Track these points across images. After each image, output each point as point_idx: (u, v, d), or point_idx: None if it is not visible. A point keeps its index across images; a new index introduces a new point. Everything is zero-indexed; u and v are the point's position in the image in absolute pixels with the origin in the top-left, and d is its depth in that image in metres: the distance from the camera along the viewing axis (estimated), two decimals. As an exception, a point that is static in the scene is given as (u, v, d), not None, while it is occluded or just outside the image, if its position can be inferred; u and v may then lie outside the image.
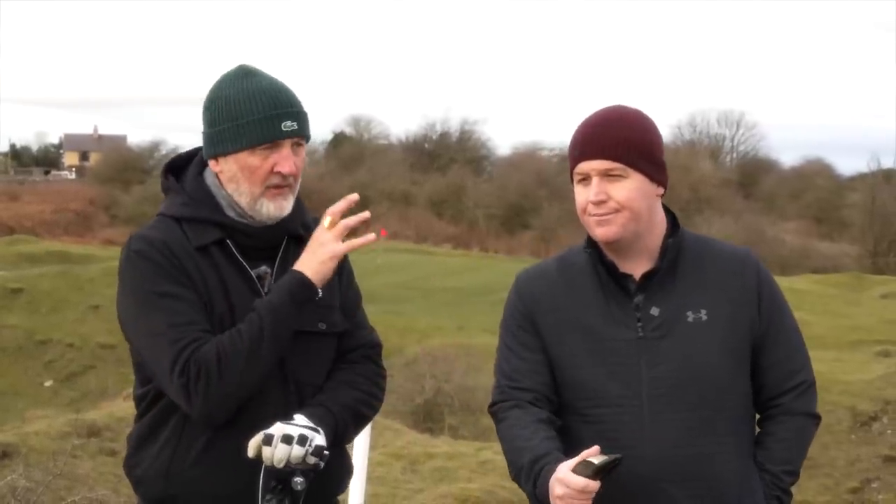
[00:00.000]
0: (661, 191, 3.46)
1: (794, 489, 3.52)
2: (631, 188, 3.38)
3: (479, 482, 13.41)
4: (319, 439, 3.14)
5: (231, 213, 3.41)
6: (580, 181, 3.43)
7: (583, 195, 3.42)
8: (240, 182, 3.38)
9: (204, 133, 3.43)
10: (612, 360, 3.41)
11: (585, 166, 3.40)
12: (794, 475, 3.51)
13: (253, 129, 3.33)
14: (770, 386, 3.51)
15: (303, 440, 3.10)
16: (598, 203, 3.39)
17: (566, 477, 3.19)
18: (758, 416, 3.59)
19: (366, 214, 3.42)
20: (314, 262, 3.34)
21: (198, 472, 3.33)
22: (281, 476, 3.11)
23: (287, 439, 3.09)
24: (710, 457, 3.39)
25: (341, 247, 3.35)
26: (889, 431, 19.13)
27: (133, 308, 3.35)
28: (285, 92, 3.40)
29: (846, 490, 17.84)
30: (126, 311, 3.38)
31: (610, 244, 3.44)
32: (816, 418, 3.55)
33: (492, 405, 3.57)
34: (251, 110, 3.34)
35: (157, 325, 3.27)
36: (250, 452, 3.14)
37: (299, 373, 3.38)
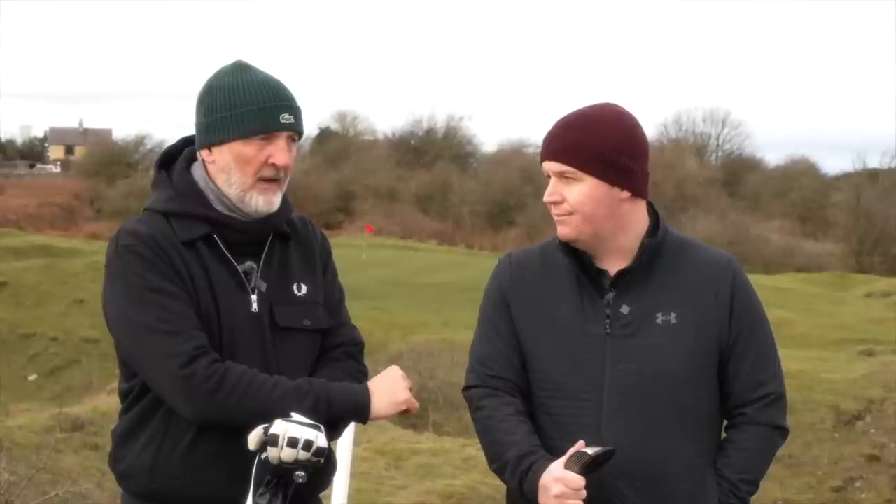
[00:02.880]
0: (625, 194, 3.42)
1: (777, 487, 3.52)
2: (582, 192, 3.40)
3: (462, 478, 13.41)
4: (322, 440, 3.12)
5: (220, 207, 3.41)
6: (548, 178, 3.47)
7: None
8: (232, 172, 3.38)
9: (199, 123, 3.43)
10: (578, 355, 3.42)
11: (545, 166, 3.46)
12: (753, 485, 3.50)
13: (251, 119, 3.34)
14: (735, 395, 3.49)
15: (308, 445, 3.08)
16: (553, 203, 3.44)
17: (564, 475, 3.21)
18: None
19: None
20: (389, 402, 3.41)
21: (183, 468, 3.33)
22: (281, 472, 3.09)
23: (293, 443, 3.07)
24: (664, 460, 3.39)
25: (406, 395, 3.43)
26: (872, 430, 19.16)
27: (123, 302, 3.33)
28: (283, 86, 3.42)
29: (829, 489, 17.85)
30: (115, 306, 3.36)
31: (573, 243, 3.46)
32: (782, 430, 3.52)
33: (466, 388, 3.59)
34: (250, 100, 3.35)
35: (149, 320, 3.26)
36: (252, 446, 3.12)
37: (283, 369, 3.37)
